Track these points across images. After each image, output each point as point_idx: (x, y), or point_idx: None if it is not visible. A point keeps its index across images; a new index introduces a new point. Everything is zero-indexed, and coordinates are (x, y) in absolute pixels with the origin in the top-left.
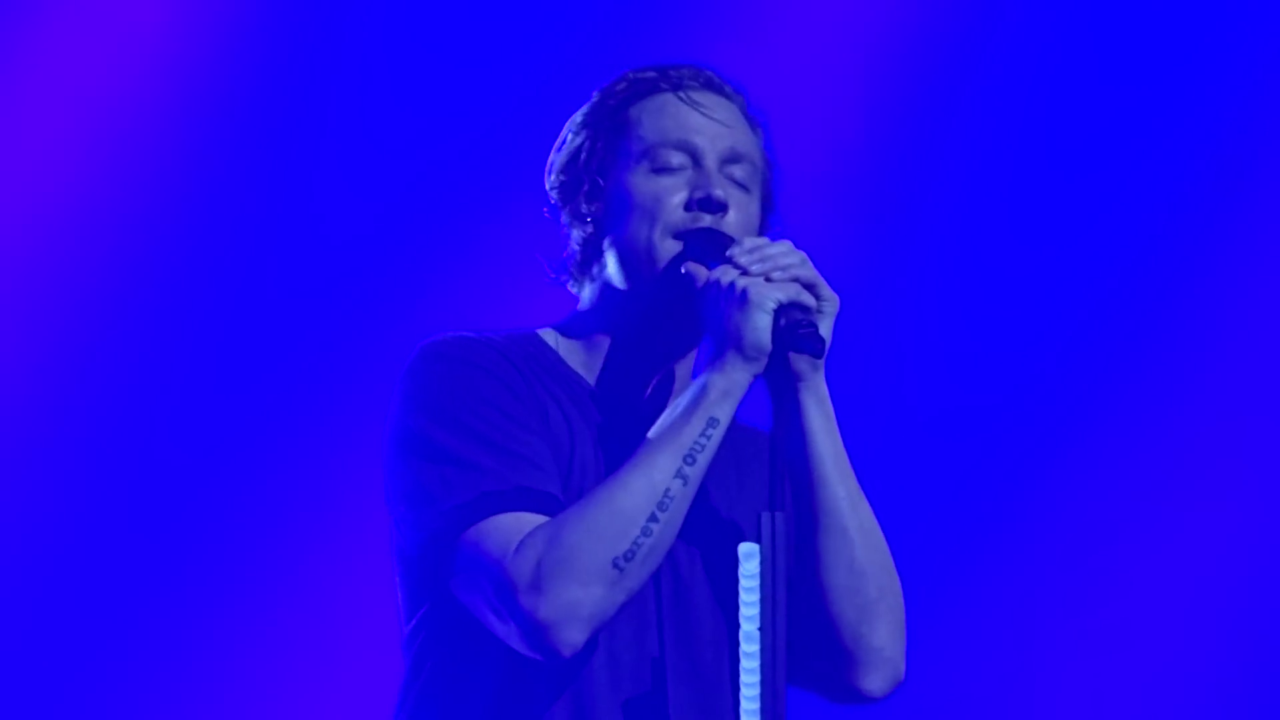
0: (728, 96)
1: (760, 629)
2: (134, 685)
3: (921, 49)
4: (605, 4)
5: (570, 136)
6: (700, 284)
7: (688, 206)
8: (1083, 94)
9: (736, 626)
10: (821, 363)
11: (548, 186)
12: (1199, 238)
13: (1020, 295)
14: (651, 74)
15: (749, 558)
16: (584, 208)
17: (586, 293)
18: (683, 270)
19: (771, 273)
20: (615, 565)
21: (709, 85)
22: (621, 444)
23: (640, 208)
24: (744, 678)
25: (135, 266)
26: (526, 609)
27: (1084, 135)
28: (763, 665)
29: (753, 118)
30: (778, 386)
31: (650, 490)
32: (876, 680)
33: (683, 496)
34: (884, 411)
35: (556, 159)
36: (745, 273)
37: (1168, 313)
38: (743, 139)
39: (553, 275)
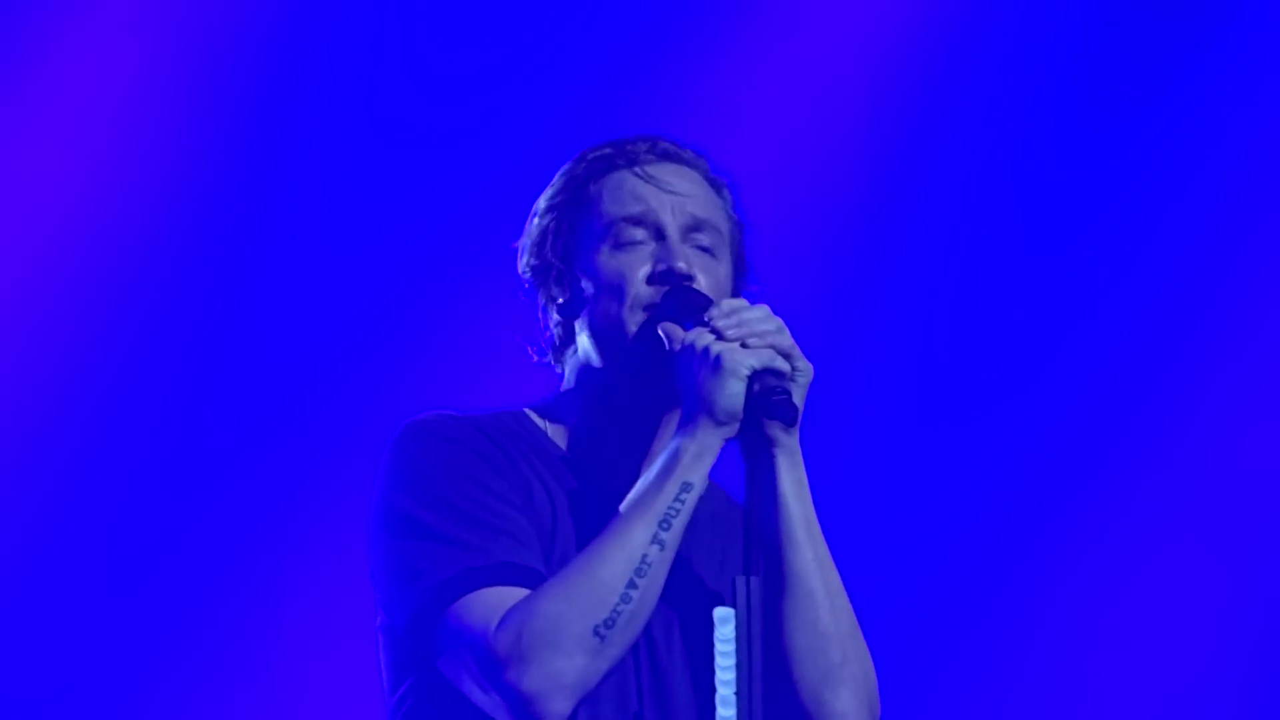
0: (687, 163)
1: (736, 693)
2: (132, 686)
3: (918, 51)
4: (606, 11)
5: (536, 220)
6: (675, 346)
7: (650, 280)
8: (1077, 96)
9: (713, 690)
10: (796, 429)
11: (520, 270)
12: (1195, 238)
13: (1016, 303)
14: (608, 150)
15: (724, 622)
16: (554, 291)
17: (567, 371)
18: (659, 330)
19: (748, 338)
20: (596, 634)
21: (666, 156)
22: (604, 518)
23: (607, 286)
24: None
25: (134, 269)
26: (511, 682)
27: (1079, 138)
28: None
29: (717, 180)
30: (751, 450)
31: (627, 558)
32: None
33: (661, 562)
34: (875, 416)
35: (525, 243)
36: (721, 337)
37: (1165, 316)
38: (705, 205)
39: (537, 358)
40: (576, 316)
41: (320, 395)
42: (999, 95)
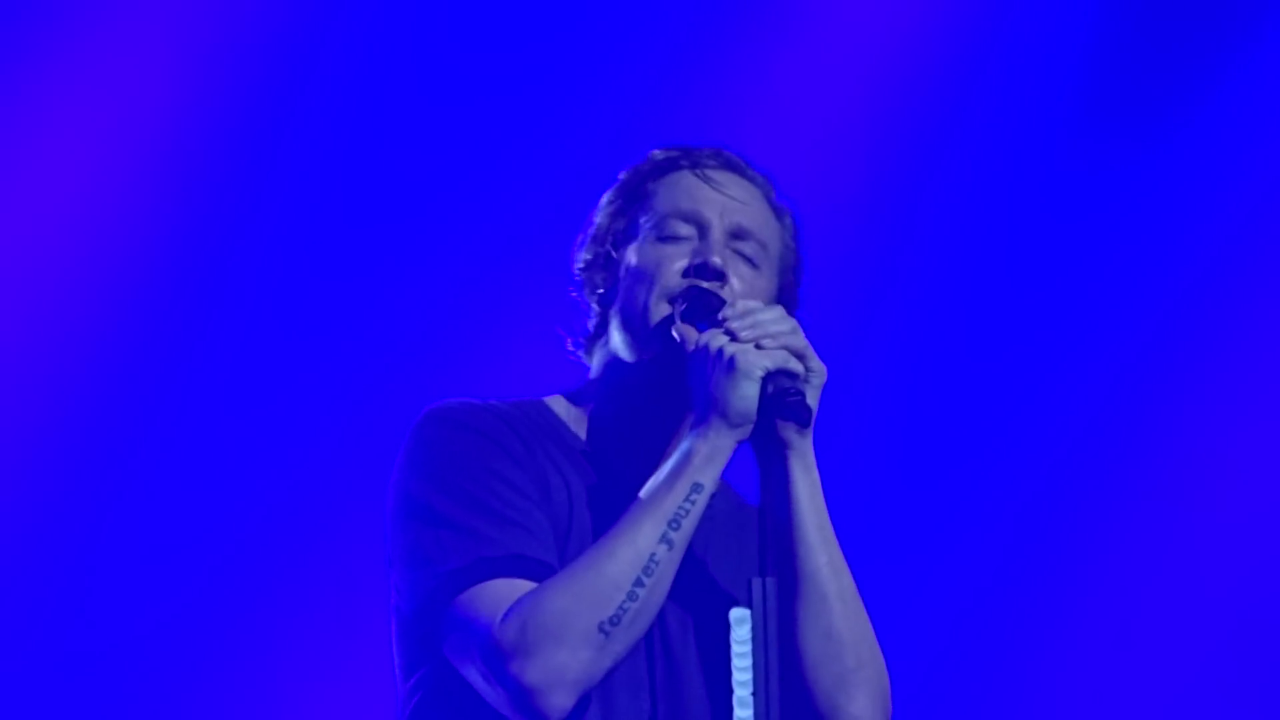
0: (749, 179)
1: (754, 694)
2: (131, 687)
3: (923, 54)
4: (609, 11)
5: (596, 216)
6: (689, 347)
7: (685, 273)
8: (1083, 99)
9: (729, 691)
10: (809, 430)
11: (575, 266)
12: (1196, 240)
13: (1018, 305)
14: (675, 153)
15: (741, 623)
16: (597, 279)
17: (595, 362)
18: (673, 332)
19: (762, 339)
20: (601, 630)
21: (729, 165)
22: (620, 514)
23: (641, 274)
24: None
25: (140, 271)
26: (514, 674)
27: (1086, 141)
28: None
29: (779, 206)
30: (765, 452)
31: (635, 556)
32: None
33: (668, 562)
34: (884, 419)
35: (581, 239)
36: (735, 338)
37: (1170, 320)
38: (755, 217)
39: (572, 351)
40: (610, 305)
41: (327, 391)
42: (1006, 97)
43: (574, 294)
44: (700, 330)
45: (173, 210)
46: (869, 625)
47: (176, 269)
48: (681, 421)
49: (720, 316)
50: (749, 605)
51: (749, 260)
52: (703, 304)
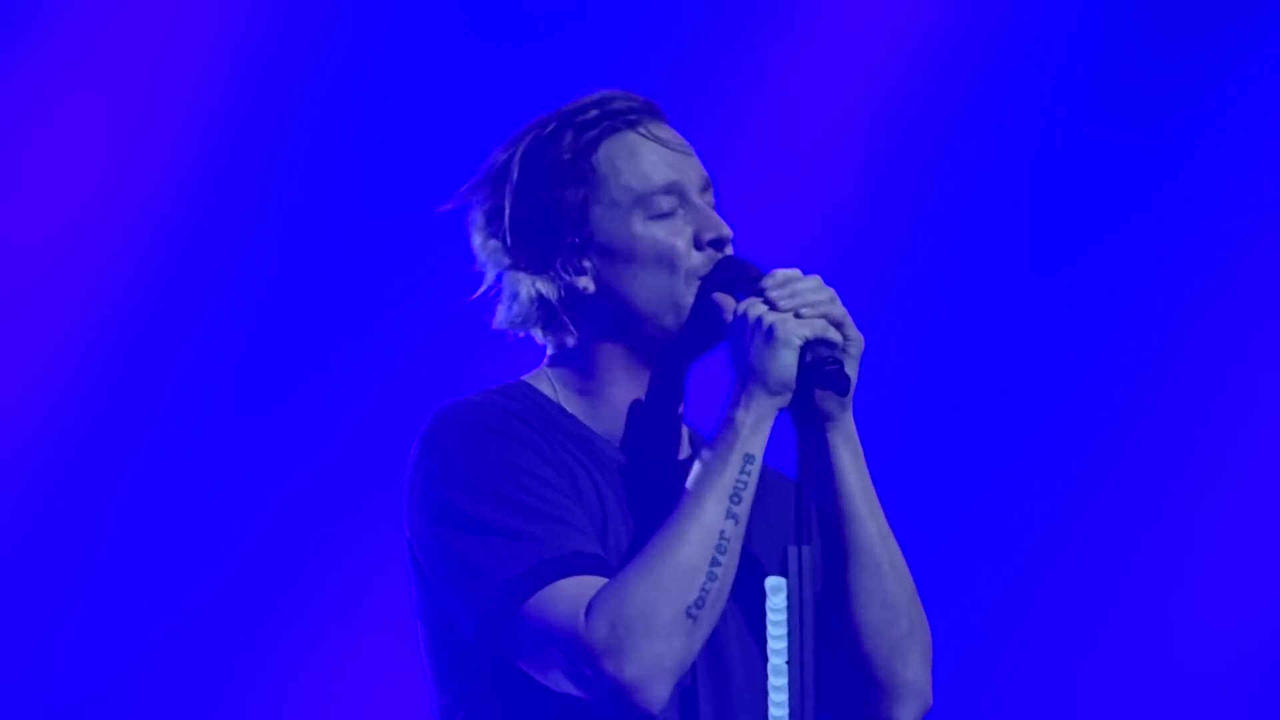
0: (666, 119)
1: (788, 662)
2: (133, 689)
3: (927, 51)
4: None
5: (519, 200)
6: (727, 316)
7: (698, 246)
8: (1084, 99)
9: (765, 659)
10: (849, 400)
11: (501, 245)
12: (1200, 240)
13: (1025, 302)
14: (595, 114)
15: (776, 591)
16: (576, 262)
17: (570, 340)
18: (714, 298)
19: (800, 308)
20: (689, 614)
21: (655, 114)
22: (640, 493)
23: (653, 258)
24: (772, 711)
25: (143, 271)
26: (610, 672)
27: (1085, 140)
28: (791, 698)
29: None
30: (803, 422)
31: (706, 536)
32: (908, 712)
33: (736, 536)
34: (890, 416)
35: (511, 214)
36: (774, 307)
37: (1169, 318)
38: (699, 164)
39: (519, 333)
40: (608, 288)
41: (324, 393)
42: (1015, 95)
43: (496, 269)
44: (737, 299)
45: (175, 211)
46: (914, 588)
47: (179, 269)
48: (678, 395)
49: (760, 286)
50: (785, 574)
51: (715, 209)
52: (739, 273)
